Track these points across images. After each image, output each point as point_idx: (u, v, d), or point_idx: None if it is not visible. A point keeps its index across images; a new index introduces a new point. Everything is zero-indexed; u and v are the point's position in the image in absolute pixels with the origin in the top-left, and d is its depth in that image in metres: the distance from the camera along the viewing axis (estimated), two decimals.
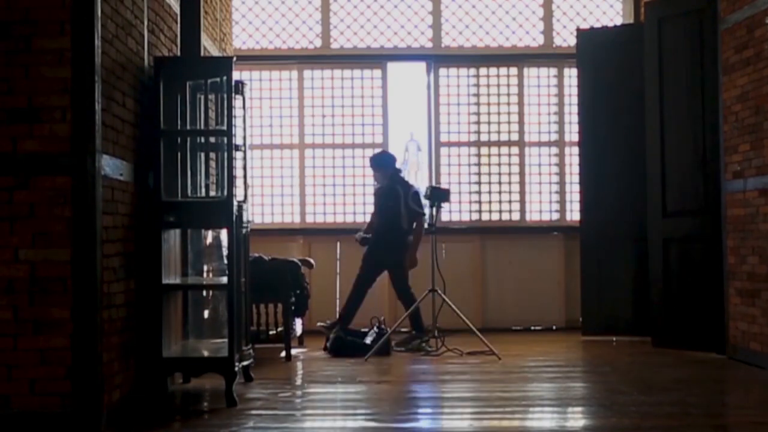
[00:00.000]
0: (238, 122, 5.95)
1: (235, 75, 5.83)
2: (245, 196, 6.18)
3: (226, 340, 5.72)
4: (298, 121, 9.77)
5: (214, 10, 8.14)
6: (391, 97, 9.77)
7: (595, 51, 8.76)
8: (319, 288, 8.99)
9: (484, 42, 9.79)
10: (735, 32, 7.19)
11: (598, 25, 9.61)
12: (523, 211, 9.77)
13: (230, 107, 5.68)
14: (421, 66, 9.85)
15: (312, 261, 8.56)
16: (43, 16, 4.71)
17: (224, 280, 5.84)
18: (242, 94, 6.08)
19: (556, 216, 9.80)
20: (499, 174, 9.79)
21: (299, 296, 7.99)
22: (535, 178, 9.81)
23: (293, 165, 9.78)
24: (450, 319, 7.85)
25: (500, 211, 9.78)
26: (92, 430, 4.68)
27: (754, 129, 6.90)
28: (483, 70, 9.82)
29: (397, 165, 8.59)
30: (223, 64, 6.04)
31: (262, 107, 9.77)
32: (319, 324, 8.42)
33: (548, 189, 9.82)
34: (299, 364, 7.37)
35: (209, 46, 7.79)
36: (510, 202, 9.78)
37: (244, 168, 6.15)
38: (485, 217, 9.76)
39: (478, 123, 9.81)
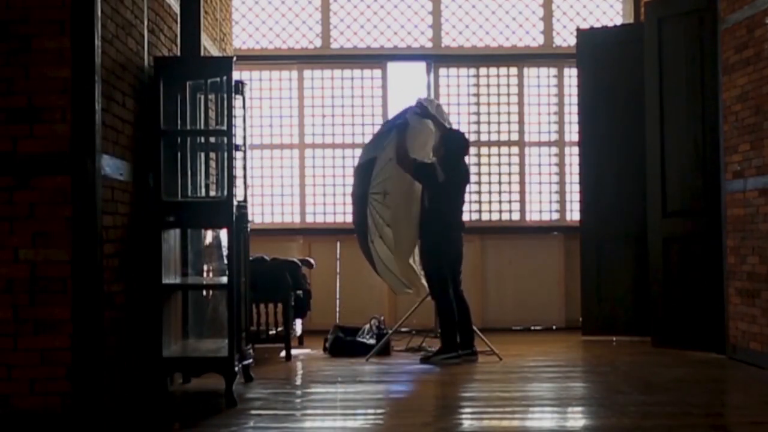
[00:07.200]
0: (238, 122, 5.95)
1: (235, 75, 5.82)
2: (245, 196, 6.18)
3: (226, 340, 5.72)
4: (298, 121, 9.77)
5: (214, 10, 8.14)
6: (391, 97, 9.77)
7: (595, 51, 8.76)
8: (319, 288, 8.98)
9: (484, 42, 9.79)
10: (735, 32, 7.19)
11: (598, 25, 9.62)
12: (523, 211, 9.77)
13: (230, 107, 5.68)
14: (421, 66, 9.85)
15: (312, 261, 8.56)
16: (43, 16, 4.71)
17: (224, 280, 5.84)
18: (242, 94, 6.08)
19: (556, 216, 9.80)
20: (499, 174, 9.79)
21: (300, 297, 7.99)
22: (535, 178, 9.81)
23: (293, 165, 9.78)
24: None
25: (500, 211, 9.78)
26: (92, 430, 4.68)
27: (754, 129, 6.90)
28: (483, 70, 9.83)
29: None
30: (223, 64, 6.03)
31: (262, 107, 9.77)
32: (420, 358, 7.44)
33: (548, 189, 9.82)
34: (299, 364, 7.37)
35: (209, 46, 7.79)
36: (510, 202, 9.78)
37: (244, 168, 6.15)
38: (485, 217, 9.76)
39: (478, 123, 9.81)
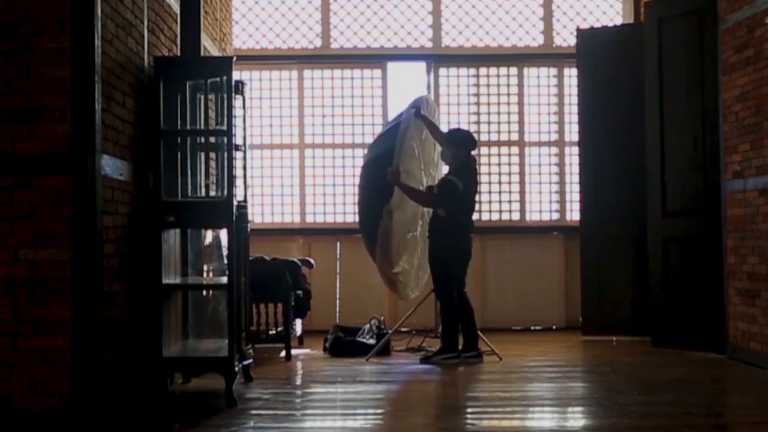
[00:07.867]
0: (238, 122, 5.95)
1: (235, 75, 5.82)
2: (245, 196, 6.18)
3: (226, 340, 5.72)
4: (298, 121, 9.77)
5: (214, 10, 8.14)
6: (391, 97, 9.77)
7: (595, 51, 8.76)
8: (319, 288, 8.98)
9: (484, 42, 9.79)
10: (735, 32, 7.19)
11: (598, 25, 9.62)
12: (523, 211, 9.77)
13: (230, 107, 5.68)
14: (421, 66, 9.85)
15: (312, 261, 8.56)
16: (43, 16, 4.71)
17: (224, 280, 5.84)
18: (242, 94, 6.08)
19: (556, 216, 9.80)
20: (499, 174, 9.79)
21: (300, 297, 7.99)
22: (535, 178, 9.81)
23: (293, 165, 9.78)
24: None
25: (500, 211, 9.78)
26: (92, 430, 4.68)
27: (754, 129, 6.90)
28: (483, 70, 9.83)
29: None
30: (223, 64, 6.03)
31: (262, 107, 9.77)
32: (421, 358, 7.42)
33: (548, 189, 9.82)
34: (299, 364, 7.37)
35: (209, 46, 7.79)
36: (510, 202, 9.78)
37: (244, 168, 6.15)
38: (485, 217, 9.75)
39: (478, 123, 9.81)
